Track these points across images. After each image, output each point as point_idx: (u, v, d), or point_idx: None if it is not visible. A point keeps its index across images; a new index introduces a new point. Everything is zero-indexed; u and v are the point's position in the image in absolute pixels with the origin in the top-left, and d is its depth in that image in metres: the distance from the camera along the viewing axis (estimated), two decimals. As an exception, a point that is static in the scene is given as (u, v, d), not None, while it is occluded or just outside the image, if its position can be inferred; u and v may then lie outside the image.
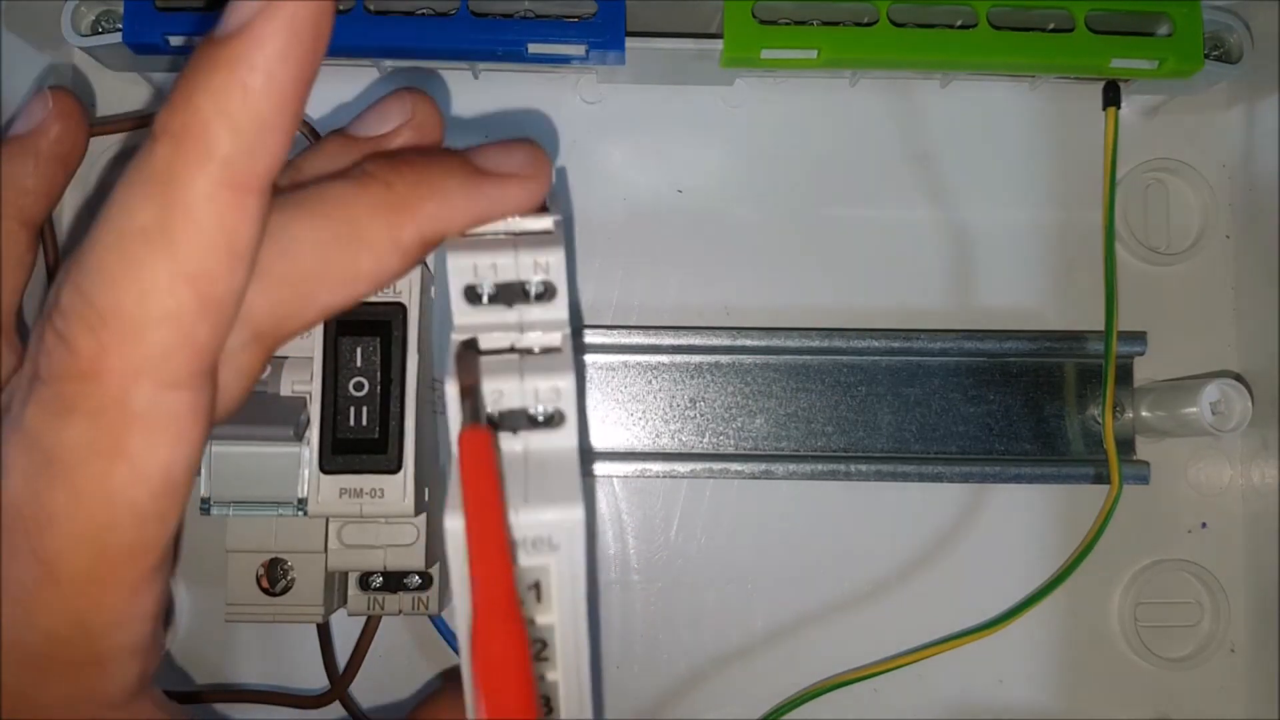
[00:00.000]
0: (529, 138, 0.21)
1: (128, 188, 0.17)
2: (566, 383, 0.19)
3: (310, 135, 0.30)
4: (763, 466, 0.33)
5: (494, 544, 0.17)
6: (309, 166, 0.21)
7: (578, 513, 0.18)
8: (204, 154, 0.16)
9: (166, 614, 0.20)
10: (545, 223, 0.21)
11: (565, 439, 0.19)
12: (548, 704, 0.20)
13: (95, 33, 0.31)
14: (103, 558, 0.17)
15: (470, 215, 0.20)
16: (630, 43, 0.30)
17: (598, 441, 0.34)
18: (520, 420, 0.20)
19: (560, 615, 0.19)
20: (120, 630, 0.18)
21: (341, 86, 0.33)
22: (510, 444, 0.20)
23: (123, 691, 0.19)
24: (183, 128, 0.16)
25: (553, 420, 0.19)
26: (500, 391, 0.19)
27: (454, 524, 0.18)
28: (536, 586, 0.19)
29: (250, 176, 0.16)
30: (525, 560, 0.18)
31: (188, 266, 0.16)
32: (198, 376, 0.17)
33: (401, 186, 0.19)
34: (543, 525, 0.18)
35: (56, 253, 0.32)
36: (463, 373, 0.19)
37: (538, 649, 0.19)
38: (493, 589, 0.17)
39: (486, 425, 0.19)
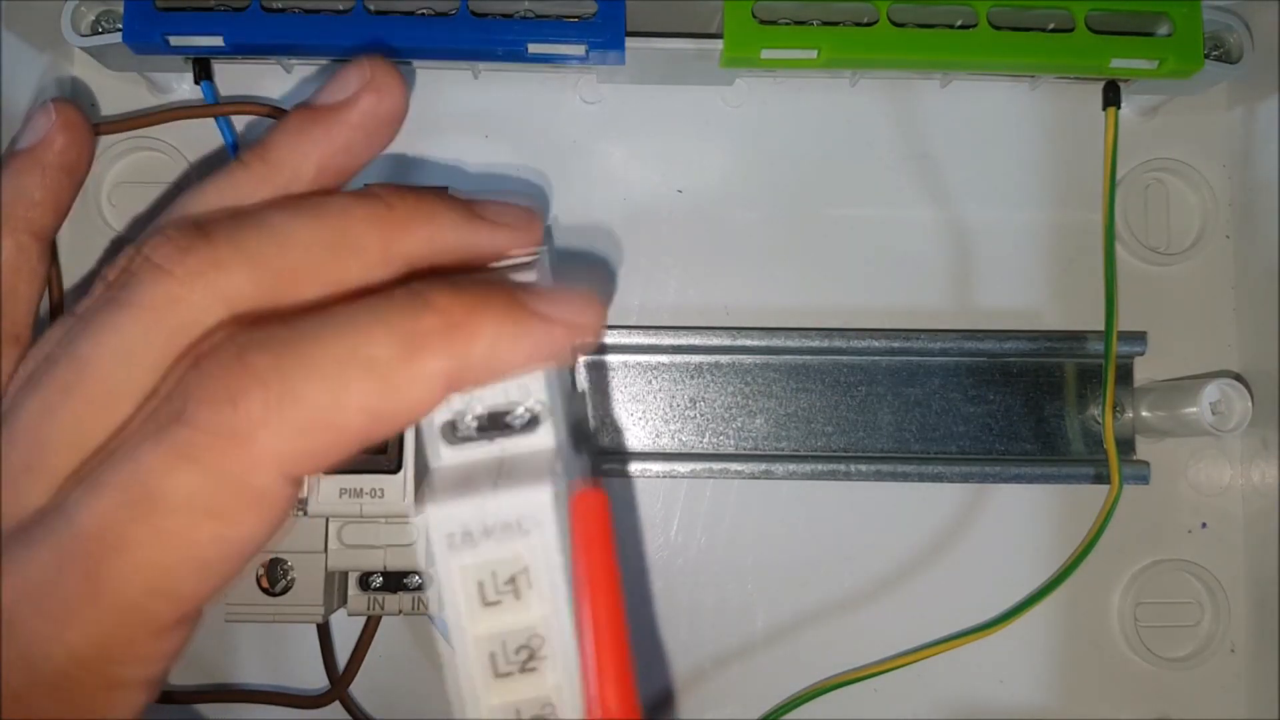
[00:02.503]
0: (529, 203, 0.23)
1: (379, 322, 0.18)
2: (537, 382, 0.19)
3: (276, 115, 0.30)
4: (763, 466, 0.33)
5: (617, 623, 0.18)
6: (275, 142, 0.22)
7: (544, 493, 0.18)
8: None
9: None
10: (528, 258, 0.22)
11: (542, 440, 0.20)
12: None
13: (95, 33, 0.31)
14: (152, 596, 0.18)
15: (460, 248, 0.21)
16: (630, 43, 0.30)
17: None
18: (497, 426, 0.20)
19: (543, 609, 0.19)
20: (140, 665, 0.19)
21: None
22: (487, 450, 0.20)
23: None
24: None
25: (530, 424, 0.20)
26: (474, 397, 0.20)
27: (428, 516, 0.18)
28: (514, 581, 0.18)
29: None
30: (496, 551, 0.18)
31: (384, 409, 0.18)
32: (299, 481, 0.18)
33: (401, 207, 0.20)
34: (509, 509, 0.18)
35: (56, 262, 0.32)
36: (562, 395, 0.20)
37: (524, 659, 0.19)
38: (620, 674, 0.18)
39: (600, 486, 0.20)
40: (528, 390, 0.20)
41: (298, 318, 0.18)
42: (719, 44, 0.30)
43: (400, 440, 0.27)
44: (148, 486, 0.17)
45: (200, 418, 0.17)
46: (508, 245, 0.22)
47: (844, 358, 0.34)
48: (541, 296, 0.20)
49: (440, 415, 0.20)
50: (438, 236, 0.21)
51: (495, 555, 0.18)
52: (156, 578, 0.18)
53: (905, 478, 0.33)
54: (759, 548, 0.34)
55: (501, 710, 0.19)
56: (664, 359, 0.34)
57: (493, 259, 0.22)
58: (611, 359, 0.34)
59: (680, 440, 0.34)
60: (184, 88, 0.34)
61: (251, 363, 0.17)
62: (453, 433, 0.20)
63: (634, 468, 0.33)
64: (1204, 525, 0.34)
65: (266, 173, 0.21)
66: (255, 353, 0.17)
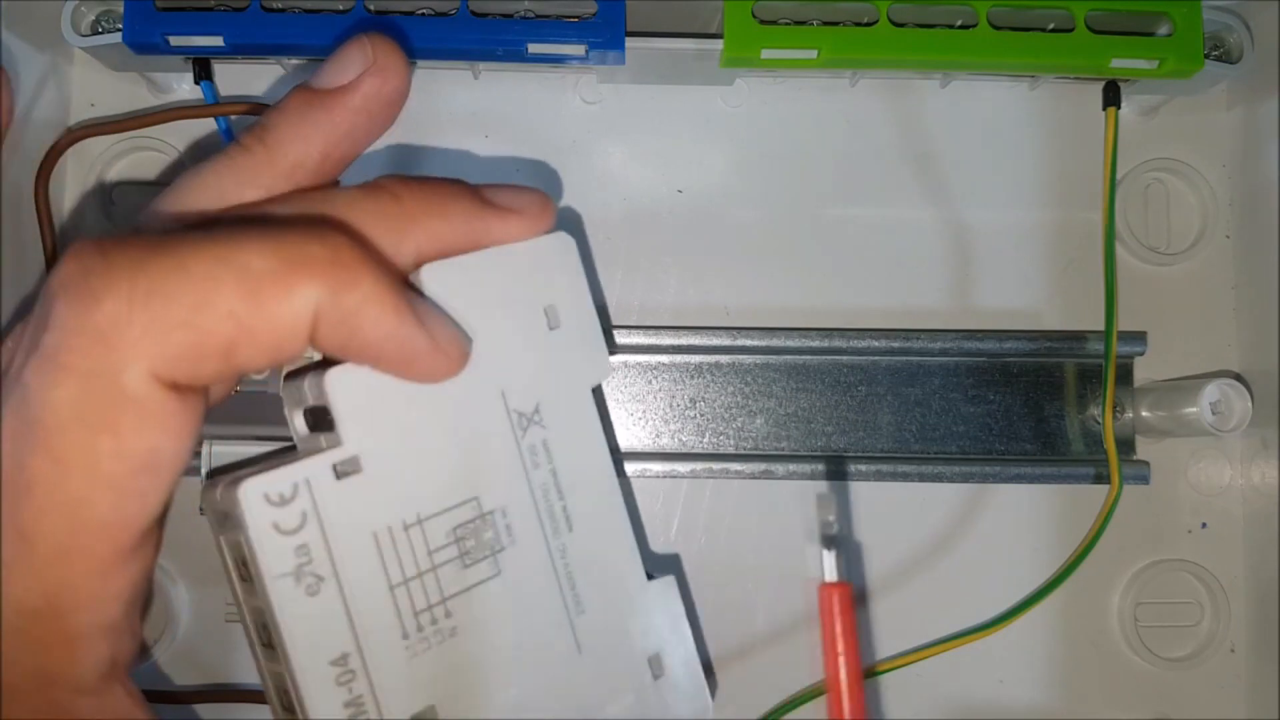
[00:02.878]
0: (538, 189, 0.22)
1: (265, 238, 0.18)
2: (327, 385, 0.20)
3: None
4: (763, 466, 0.33)
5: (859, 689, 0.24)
6: (276, 126, 0.21)
7: (238, 492, 0.19)
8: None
9: (146, 605, 0.20)
10: (549, 239, 0.23)
11: (330, 442, 0.20)
12: (287, 698, 0.20)
13: (95, 33, 0.31)
14: (77, 530, 0.17)
15: (469, 239, 0.21)
16: (630, 43, 0.30)
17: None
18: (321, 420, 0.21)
19: (261, 598, 0.19)
20: (90, 608, 0.18)
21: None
22: (313, 441, 0.21)
23: (92, 674, 0.19)
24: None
25: (328, 426, 0.20)
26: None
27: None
28: (245, 566, 0.19)
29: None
30: (232, 535, 0.19)
31: (250, 320, 0.17)
32: (182, 395, 0.18)
33: (410, 201, 0.20)
34: (225, 501, 0.19)
35: (56, 247, 0.32)
36: (823, 515, 0.24)
37: (269, 637, 0.20)
38: None
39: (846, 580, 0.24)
40: (320, 391, 0.20)
41: (193, 227, 0.18)
42: (719, 44, 0.30)
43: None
44: (31, 407, 0.17)
45: (64, 317, 0.17)
46: (519, 232, 0.22)
47: (844, 358, 0.34)
48: (431, 311, 0.20)
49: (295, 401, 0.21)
50: (447, 230, 0.21)
51: (232, 539, 0.20)
52: (75, 511, 0.17)
53: (905, 478, 0.33)
54: (759, 548, 0.34)
55: (271, 677, 0.20)
56: (664, 359, 0.34)
57: (502, 243, 0.22)
58: (611, 359, 0.34)
59: (680, 440, 0.34)
60: (184, 88, 0.34)
61: (114, 260, 0.17)
62: (301, 417, 0.21)
63: (634, 468, 0.33)
64: (1204, 525, 0.34)
65: (269, 158, 0.21)
66: (118, 251, 0.17)
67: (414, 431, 0.21)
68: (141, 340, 0.17)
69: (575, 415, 0.24)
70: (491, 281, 0.22)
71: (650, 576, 0.25)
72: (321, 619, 0.19)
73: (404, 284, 0.19)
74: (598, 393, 0.25)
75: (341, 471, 0.20)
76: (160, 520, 0.19)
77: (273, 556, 0.19)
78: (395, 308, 0.19)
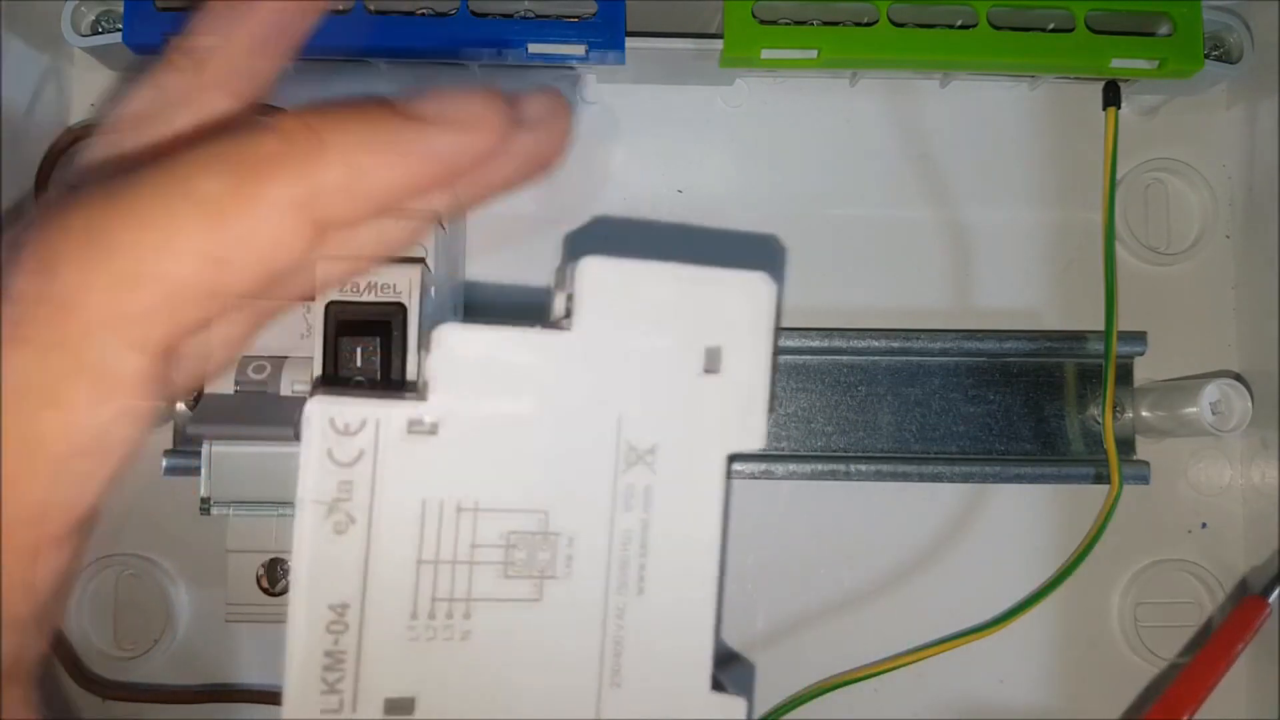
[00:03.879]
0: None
1: (210, 155, 0.16)
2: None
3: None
4: (763, 466, 0.33)
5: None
6: (197, 31, 0.19)
7: (305, 404, 0.19)
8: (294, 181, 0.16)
9: (61, 609, 0.18)
10: (745, 275, 0.20)
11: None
12: None
13: (95, 33, 0.31)
14: (5, 509, 0.16)
15: (405, 181, 0.17)
16: (630, 43, 0.30)
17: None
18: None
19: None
20: (14, 598, 0.16)
21: (340, 86, 0.33)
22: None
23: None
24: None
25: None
26: None
27: None
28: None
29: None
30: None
31: (223, 250, 0.15)
32: (162, 353, 0.16)
33: (304, 139, 0.16)
34: None
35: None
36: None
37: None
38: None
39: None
40: (569, 280, 0.19)
41: (135, 166, 0.16)
42: (719, 44, 0.30)
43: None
44: None
45: (21, 288, 0.15)
46: (468, 152, 0.17)
47: (844, 358, 0.34)
48: (428, 95, 0.17)
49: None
50: (364, 169, 0.16)
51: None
52: (5, 488, 0.16)
53: (905, 478, 0.33)
54: (759, 548, 0.34)
55: None
56: (664, 359, 0.34)
57: (450, 180, 0.17)
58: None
59: (680, 440, 0.34)
60: (184, 88, 0.34)
61: (69, 224, 0.16)
62: (560, 301, 0.20)
63: (634, 468, 0.33)
64: (1204, 525, 0.34)
65: (197, 70, 0.19)
66: (72, 212, 0.16)
67: (504, 419, 0.19)
68: (105, 304, 0.15)
69: (695, 474, 0.20)
70: (654, 296, 0.19)
71: (718, 686, 0.21)
72: (337, 560, 0.19)
73: (385, 98, 0.16)
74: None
75: (415, 428, 0.19)
76: (94, 515, 0.17)
77: (315, 481, 0.18)
78: (387, 139, 0.16)
